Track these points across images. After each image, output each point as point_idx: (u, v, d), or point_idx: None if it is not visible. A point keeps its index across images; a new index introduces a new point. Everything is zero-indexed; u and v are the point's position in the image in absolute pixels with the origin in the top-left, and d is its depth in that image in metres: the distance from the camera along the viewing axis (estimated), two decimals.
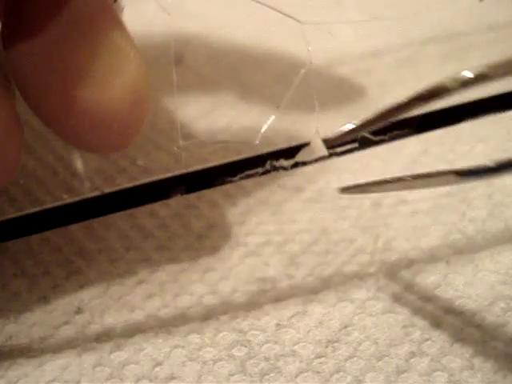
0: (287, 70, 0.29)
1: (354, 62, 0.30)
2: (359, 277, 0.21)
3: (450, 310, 0.20)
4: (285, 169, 0.20)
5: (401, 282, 0.21)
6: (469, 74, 0.16)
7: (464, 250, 0.22)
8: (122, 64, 0.18)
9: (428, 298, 0.20)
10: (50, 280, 0.22)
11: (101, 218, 0.21)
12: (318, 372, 0.19)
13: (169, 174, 0.20)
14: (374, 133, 0.20)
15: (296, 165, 0.20)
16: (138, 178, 0.25)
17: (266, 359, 0.19)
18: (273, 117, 0.21)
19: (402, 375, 0.19)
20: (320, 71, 0.29)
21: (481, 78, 0.16)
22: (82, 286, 0.21)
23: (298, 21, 0.20)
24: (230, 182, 0.20)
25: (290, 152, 0.20)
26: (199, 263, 0.22)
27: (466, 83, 0.16)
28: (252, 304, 0.21)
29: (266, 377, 0.19)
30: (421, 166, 0.25)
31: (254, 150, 0.20)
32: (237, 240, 0.23)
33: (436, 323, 0.20)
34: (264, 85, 0.30)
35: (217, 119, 0.28)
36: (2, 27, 0.18)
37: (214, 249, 0.23)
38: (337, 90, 0.29)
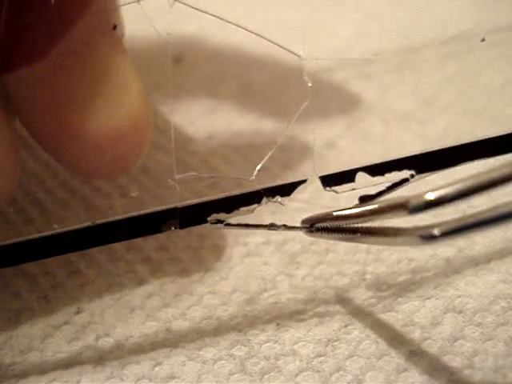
0: (287, 71, 0.29)
1: (354, 65, 0.30)
2: (359, 276, 0.21)
3: (451, 309, 0.20)
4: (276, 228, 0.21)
5: (401, 280, 0.21)
6: (431, 196, 0.15)
7: (464, 248, 0.22)
8: (122, 92, 0.18)
9: (428, 296, 0.20)
10: (50, 280, 0.22)
11: (101, 218, 0.21)
12: (318, 371, 0.19)
13: (162, 207, 0.19)
14: (373, 173, 0.20)
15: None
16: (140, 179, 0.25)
17: (266, 358, 0.19)
18: (269, 153, 0.21)
19: (402, 374, 0.19)
20: (319, 76, 0.29)
21: (443, 200, 0.15)
22: (82, 286, 0.21)
23: (298, 56, 0.20)
24: (228, 226, 0.20)
25: (287, 188, 0.20)
26: (199, 263, 0.22)
27: (429, 204, 0.15)
28: (252, 303, 0.21)
29: (266, 376, 0.19)
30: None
31: (251, 184, 0.20)
32: (237, 240, 0.23)
33: (436, 322, 0.20)
34: (264, 85, 0.30)
35: (217, 119, 0.28)
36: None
37: (214, 249, 0.23)
38: (335, 96, 0.29)
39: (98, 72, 0.18)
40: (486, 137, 0.20)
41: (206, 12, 0.20)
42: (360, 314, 0.20)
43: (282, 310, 0.20)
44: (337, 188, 0.20)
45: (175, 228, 0.19)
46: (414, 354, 0.19)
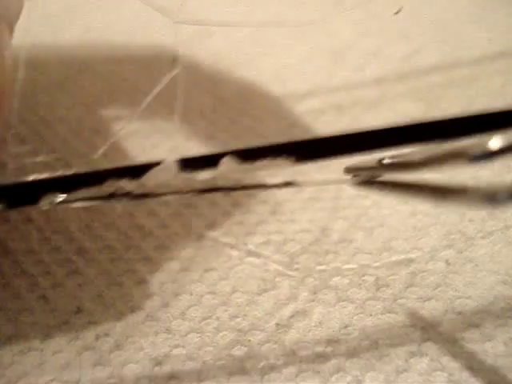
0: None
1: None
2: (359, 277, 0.21)
3: (450, 310, 0.20)
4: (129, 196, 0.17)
5: (400, 282, 0.21)
6: (495, 143, 0.14)
7: (464, 250, 0.22)
8: None
9: (428, 297, 0.20)
10: (50, 279, 0.22)
11: (100, 218, 0.21)
12: (318, 372, 0.19)
13: None
14: (244, 158, 0.17)
15: None
16: None
17: (266, 359, 0.19)
18: (123, 128, 0.19)
19: (402, 375, 0.19)
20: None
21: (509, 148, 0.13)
22: (81, 286, 0.21)
23: (171, 18, 0.17)
24: (68, 201, 0.17)
25: (137, 170, 0.17)
26: (199, 263, 0.22)
27: (493, 153, 0.14)
28: (252, 304, 0.21)
29: (266, 376, 0.19)
30: None
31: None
32: (237, 240, 0.23)
33: (436, 323, 0.20)
34: (263, 84, 0.30)
35: (217, 120, 0.28)
36: None
37: (214, 248, 0.23)
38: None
39: None
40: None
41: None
42: (360, 314, 0.20)
43: (281, 311, 0.21)
44: (196, 173, 0.18)
45: (3, 209, 0.17)
46: (414, 354, 0.19)
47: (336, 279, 0.21)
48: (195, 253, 0.22)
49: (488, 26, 0.32)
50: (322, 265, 0.22)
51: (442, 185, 0.16)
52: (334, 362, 0.19)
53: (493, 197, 0.14)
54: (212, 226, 0.23)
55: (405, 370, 0.19)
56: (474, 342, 0.19)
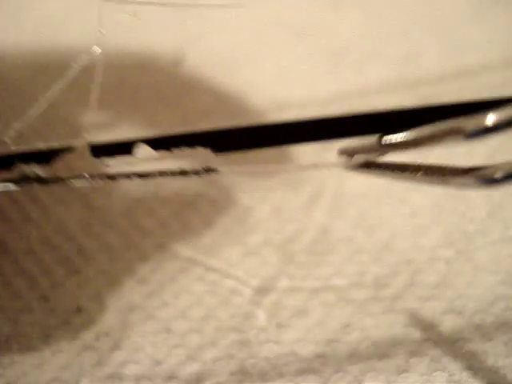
0: None
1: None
2: (359, 276, 0.21)
3: (450, 310, 0.20)
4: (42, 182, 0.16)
5: (400, 281, 0.21)
6: (491, 119, 0.13)
7: (463, 249, 0.22)
8: None
9: (428, 297, 0.20)
10: (50, 279, 0.22)
11: (100, 217, 0.21)
12: (318, 372, 0.19)
13: None
14: (155, 146, 0.17)
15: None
16: None
17: (266, 359, 0.19)
18: (31, 114, 0.17)
19: (402, 375, 0.19)
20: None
21: (505, 124, 0.13)
22: (81, 286, 0.21)
23: None
24: None
25: (48, 155, 0.17)
26: (199, 262, 0.22)
27: (489, 129, 0.13)
28: (252, 303, 0.21)
29: (266, 376, 0.19)
30: None
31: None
32: (236, 239, 0.23)
33: (436, 323, 0.20)
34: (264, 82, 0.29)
35: (218, 121, 0.28)
36: None
37: (214, 248, 0.23)
38: None
39: None
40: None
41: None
42: (360, 314, 0.20)
43: (281, 310, 0.20)
44: (109, 160, 0.17)
45: None
46: (414, 354, 0.19)
47: (336, 279, 0.21)
48: (195, 252, 0.22)
49: (488, 25, 0.32)
50: (322, 264, 0.22)
51: (439, 166, 0.15)
52: (333, 361, 0.19)
53: (491, 177, 0.14)
54: (212, 225, 0.23)
55: (405, 370, 0.19)
56: (474, 342, 0.19)
